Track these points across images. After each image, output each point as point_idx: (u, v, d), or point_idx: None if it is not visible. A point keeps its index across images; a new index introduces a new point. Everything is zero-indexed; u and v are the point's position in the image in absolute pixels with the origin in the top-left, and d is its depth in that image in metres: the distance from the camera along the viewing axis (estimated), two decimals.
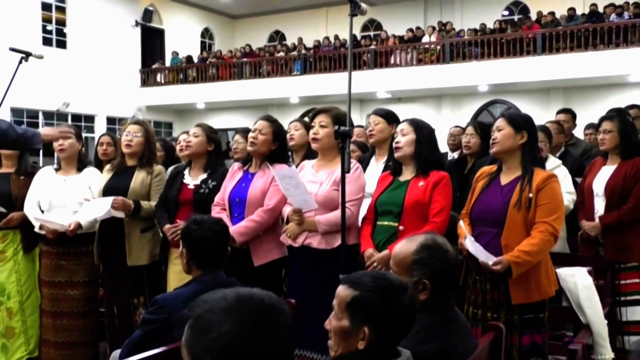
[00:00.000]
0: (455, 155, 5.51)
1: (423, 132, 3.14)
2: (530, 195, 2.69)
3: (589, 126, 5.92)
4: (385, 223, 3.10)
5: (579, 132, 5.98)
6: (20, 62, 3.95)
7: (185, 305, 2.26)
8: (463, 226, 2.90)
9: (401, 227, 3.00)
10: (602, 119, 4.06)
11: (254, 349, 1.13)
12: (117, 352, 2.57)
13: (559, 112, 5.56)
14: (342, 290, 1.62)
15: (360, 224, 3.30)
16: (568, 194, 3.95)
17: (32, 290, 4.26)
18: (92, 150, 5.17)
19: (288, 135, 4.19)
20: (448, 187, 3.07)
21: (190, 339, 1.17)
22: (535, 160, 2.86)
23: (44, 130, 3.02)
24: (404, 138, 3.13)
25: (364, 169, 3.65)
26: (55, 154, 4.23)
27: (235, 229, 3.28)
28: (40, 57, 4.08)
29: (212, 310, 1.16)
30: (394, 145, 3.21)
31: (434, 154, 3.17)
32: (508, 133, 2.81)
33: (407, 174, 3.15)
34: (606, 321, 3.38)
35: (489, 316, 2.74)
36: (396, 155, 3.17)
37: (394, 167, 3.24)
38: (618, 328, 3.85)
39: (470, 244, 2.75)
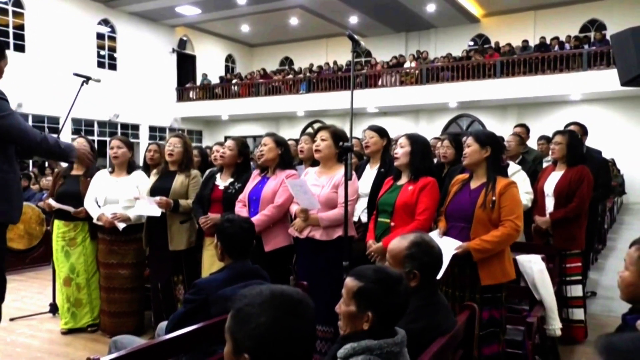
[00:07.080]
0: (434, 161, 5.42)
1: (417, 145, 3.07)
2: (494, 198, 2.65)
3: (541, 138, 5.82)
4: (382, 220, 3.07)
5: (531, 142, 5.92)
6: (82, 84, 3.91)
7: (219, 288, 2.24)
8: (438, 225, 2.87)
9: (392, 224, 2.98)
10: (555, 133, 4.02)
11: (284, 336, 1.11)
12: (163, 324, 2.54)
13: (516, 126, 5.43)
14: (349, 282, 1.58)
15: (367, 219, 3.30)
16: (527, 194, 3.89)
17: (97, 270, 4.23)
18: (137, 153, 5.09)
19: (299, 147, 4.17)
20: (433, 190, 3.00)
21: (233, 327, 1.15)
22: (498, 170, 2.79)
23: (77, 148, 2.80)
24: (402, 150, 3.07)
25: (360, 174, 3.62)
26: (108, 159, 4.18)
27: None
28: (98, 81, 4.04)
29: (250, 304, 1.14)
30: (393, 155, 3.17)
31: (425, 163, 3.07)
32: (475, 149, 2.77)
33: (403, 179, 3.10)
34: (555, 297, 3.37)
35: (457, 294, 2.71)
36: (395, 163, 3.12)
37: (395, 173, 3.18)
38: (564, 302, 3.85)
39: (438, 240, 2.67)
